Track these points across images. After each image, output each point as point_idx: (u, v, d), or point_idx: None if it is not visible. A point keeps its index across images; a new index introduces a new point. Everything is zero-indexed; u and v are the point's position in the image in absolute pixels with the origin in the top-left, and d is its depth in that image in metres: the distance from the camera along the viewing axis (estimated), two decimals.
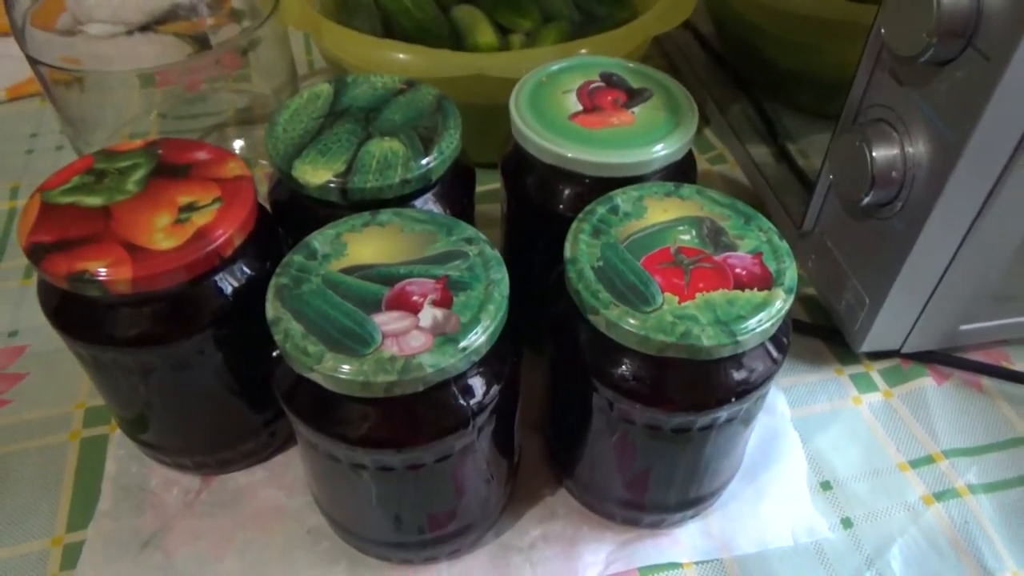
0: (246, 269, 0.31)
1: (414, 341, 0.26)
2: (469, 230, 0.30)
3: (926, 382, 0.41)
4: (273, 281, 0.28)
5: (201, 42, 0.57)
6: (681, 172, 0.35)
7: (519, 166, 0.36)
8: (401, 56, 0.43)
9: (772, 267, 0.28)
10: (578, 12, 0.57)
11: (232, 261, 0.31)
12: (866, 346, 0.40)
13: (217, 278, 0.30)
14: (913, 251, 0.35)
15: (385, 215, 0.31)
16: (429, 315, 0.27)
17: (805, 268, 0.45)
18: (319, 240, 0.29)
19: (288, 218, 0.35)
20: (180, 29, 0.58)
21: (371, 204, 0.32)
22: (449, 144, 0.34)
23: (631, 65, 0.38)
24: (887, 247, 0.36)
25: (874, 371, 0.42)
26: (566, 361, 0.31)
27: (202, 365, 0.32)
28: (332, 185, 0.32)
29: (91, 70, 0.48)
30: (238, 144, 0.54)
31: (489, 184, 0.46)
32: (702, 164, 0.55)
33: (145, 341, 0.30)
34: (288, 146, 0.33)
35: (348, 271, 0.28)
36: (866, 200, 0.35)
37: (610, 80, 0.37)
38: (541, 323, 0.32)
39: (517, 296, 0.28)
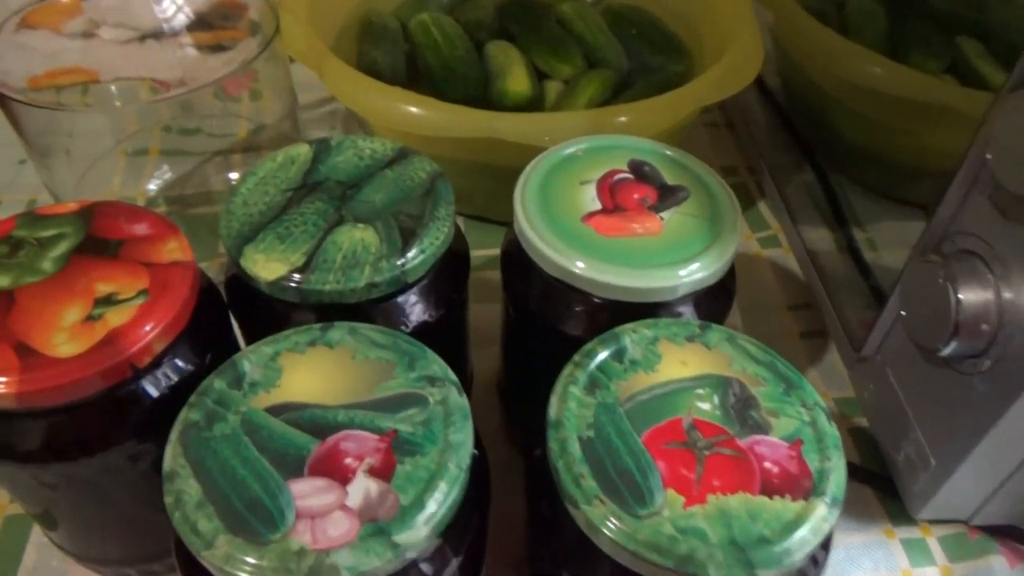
0: (172, 373, 0.26)
1: (334, 528, 0.20)
2: (435, 364, 0.24)
3: (995, 561, 0.34)
4: (182, 415, 0.23)
5: (218, 53, 0.53)
6: (716, 295, 0.29)
7: (521, 265, 0.30)
8: (411, 109, 0.38)
9: (813, 465, 0.22)
10: (628, 60, 0.50)
11: (154, 367, 0.25)
12: (925, 514, 0.33)
13: (131, 388, 0.25)
14: (1001, 421, 0.28)
15: (338, 332, 0.25)
16: (361, 489, 0.21)
17: (860, 398, 0.38)
18: (250, 361, 0.24)
19: (239, 303, 0.29)
20: (197, 39, 0.54)
21: (332, 308, 0.27)
22: (434, 239, 0.28)
23: (669, 152, 0.32)
24: (966, 408, 0.29)
25: (932, 538, 0.34)
26: (543, 534, 0.25)
27: (113, 481, 0.27)
28: (286, 284, 0.26)
29: (65, 107, 0.43)
30: (235, 176, 0.49)
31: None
32: (751, 246, 0.48)
33: (38, 458, 0.25)
34: (244, 225, 0.28)
35: (276, 410, 0.23)
36: (945, 351, 0.28)
37: (640, 171, 0.31)
38: (534, 428, 0.26)
39: (515, 394, 0.22)
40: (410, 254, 0.27)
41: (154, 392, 0.26)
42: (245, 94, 0.54)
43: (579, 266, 0.27)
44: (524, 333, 0.32)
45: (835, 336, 0.41)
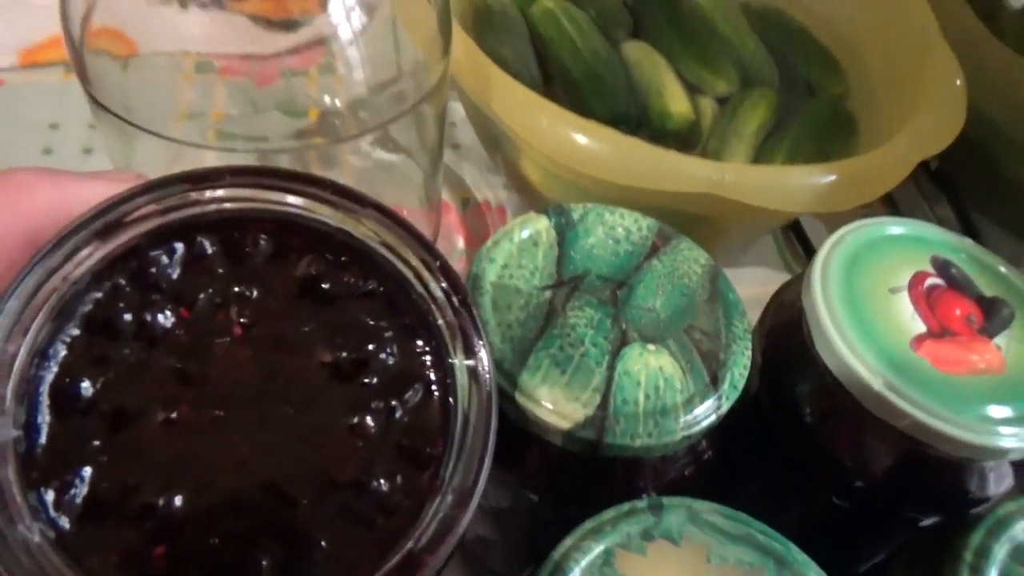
0: None
1: None
2: (810, 570, 0.19)
3: None
4: None
5: (285, 29, 0.44)
6: None
7: (806, 373, 0.25)
8: (607, 149, 0.31)
9: None
10: (778, 74, 0.44)
11: None
12: None
13: None
14: None
15: (674, 516, 0.19)
16: None
17: None
18: (580, 566, 0.18)
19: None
20: (257, 9, 0.44)
21: (622, 463, 0.21)
22: (742, 370, 0.22)
23: (959, 243, 0.27)
24: None
25: None
26: None
27: None
28: (579, 435, 0.20)
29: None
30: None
31: None
32: None
33: None
34: (505, 340, 0.22)
35: None
36: None
37: (950, 276, 0.26)
38: None
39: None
40: (724, 390, 0.22)
41: None
42: (313, 68, 0.45)
43: (927, 416, 0.22)
44: (777, 455, 0.27)
45: None
